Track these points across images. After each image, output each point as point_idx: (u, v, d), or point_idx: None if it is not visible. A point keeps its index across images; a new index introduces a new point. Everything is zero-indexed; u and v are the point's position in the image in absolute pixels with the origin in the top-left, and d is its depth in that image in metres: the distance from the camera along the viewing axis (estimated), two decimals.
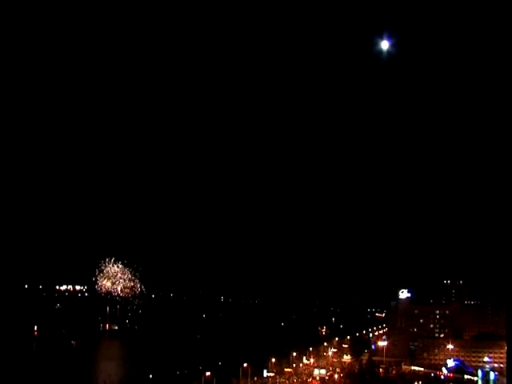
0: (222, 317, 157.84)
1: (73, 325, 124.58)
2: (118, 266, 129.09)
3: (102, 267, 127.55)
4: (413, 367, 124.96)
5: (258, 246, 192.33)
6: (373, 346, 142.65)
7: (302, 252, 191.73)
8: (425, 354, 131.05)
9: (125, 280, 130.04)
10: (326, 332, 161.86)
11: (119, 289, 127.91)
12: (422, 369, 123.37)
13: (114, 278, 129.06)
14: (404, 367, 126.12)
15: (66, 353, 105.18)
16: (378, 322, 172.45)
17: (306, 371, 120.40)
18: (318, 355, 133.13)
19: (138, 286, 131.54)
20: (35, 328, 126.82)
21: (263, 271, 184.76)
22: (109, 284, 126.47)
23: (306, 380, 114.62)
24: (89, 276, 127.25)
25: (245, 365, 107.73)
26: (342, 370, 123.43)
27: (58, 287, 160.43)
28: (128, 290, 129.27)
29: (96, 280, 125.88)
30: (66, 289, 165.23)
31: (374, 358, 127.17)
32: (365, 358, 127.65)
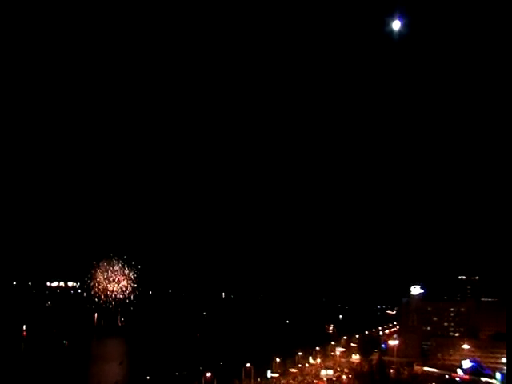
0: (224, 314, 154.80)
1: (65, 324, 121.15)
2: (113, 261, 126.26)
3: (97, 262, 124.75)
4: (426, 368, 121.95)
5: (261, 240, 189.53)
6: (383, 346, 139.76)
7: (308, 246, 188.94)
8: (439, 355, 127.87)
9: (121, 275, 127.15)
10: (333, 330, 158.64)
11: (115, 285, 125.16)
12: (436, 370, 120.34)
13: (110, 274, 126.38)
14: (416, 368, 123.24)
15: (57, 354, 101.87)
16: (389, 320, 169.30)
17: (313, 372, 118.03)
18: (325, 355, 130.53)
19: (135, 281, 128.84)
20: (24, 328, 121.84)
21: (267, 266, 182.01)
22: (104, 280, 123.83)
23: (313, 381, 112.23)
24: (82, 272, 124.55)
25: (247, 365, 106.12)
26: (351, 370, 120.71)
27: (48, 284, 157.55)
28: (124, 286, 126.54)
29: (90, 276, 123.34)
30: (58, 285, 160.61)
31: (385, 358, 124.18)
32: (374, 357, 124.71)
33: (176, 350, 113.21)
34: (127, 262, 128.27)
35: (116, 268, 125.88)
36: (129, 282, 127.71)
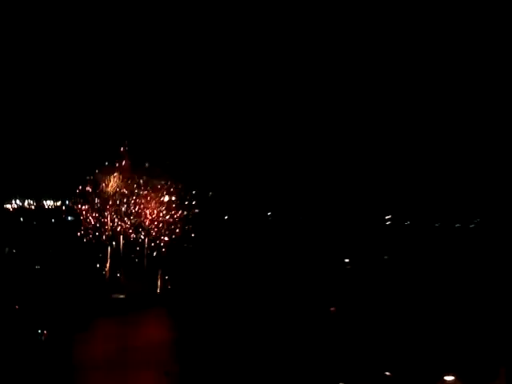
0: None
1: (40, 292, 75.58)
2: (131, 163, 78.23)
3: (102, 166, 77.56)
4: None
5: None
6: None
7: None
8: None
9: (155, 187, 79.38)
10: None
11: (143, 209, 77.87)
12: None
13: (128, 185, 79.02)
14: None
15: (24, 358, 58.36)
16: None
17: None
18: None
19: (180, 197, 79.97)
20: None
21: None
22: (117, 197, 76.94)
23: None
24: (72, 184, 78.13)
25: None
26: None
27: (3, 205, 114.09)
28: (163, 212, 78.98)
29: (88, 189, 77.10)
30: (21, 207, 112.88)
31: None
32: None
33: (284, 341, 64.89)
34: (170, 166, 78.72)
35: (142, 177, 77.44)
36: (176, 199, 79.18)
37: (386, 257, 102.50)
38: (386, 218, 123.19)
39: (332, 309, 75.23)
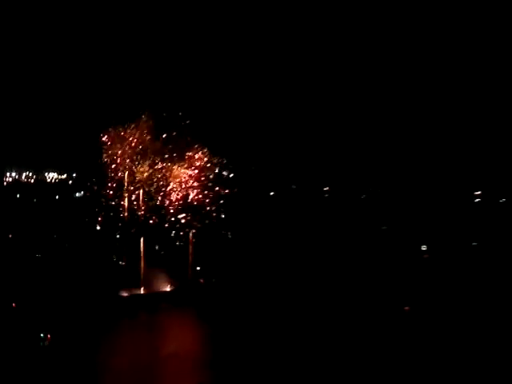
0: None
1: (40, 286, 68.70)
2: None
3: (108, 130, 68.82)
4: None
5: None
6: None
7: None
8: None
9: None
10: None
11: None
12: None
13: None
14: None
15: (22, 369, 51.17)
16: None
17: None
18: None
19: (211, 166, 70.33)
20: None
21: None
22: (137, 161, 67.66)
23: None
24: (79, 156, 69.87)
25: None
26: None
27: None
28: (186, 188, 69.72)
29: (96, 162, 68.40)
30: (17, 181, 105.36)
31: None
32: None
33: (345, 352, 54.82)
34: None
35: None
36: (210, 175, 69.66)
37: (474, 243, 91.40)
38: (475, 193, 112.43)
39: (406, 308, 66.89)
